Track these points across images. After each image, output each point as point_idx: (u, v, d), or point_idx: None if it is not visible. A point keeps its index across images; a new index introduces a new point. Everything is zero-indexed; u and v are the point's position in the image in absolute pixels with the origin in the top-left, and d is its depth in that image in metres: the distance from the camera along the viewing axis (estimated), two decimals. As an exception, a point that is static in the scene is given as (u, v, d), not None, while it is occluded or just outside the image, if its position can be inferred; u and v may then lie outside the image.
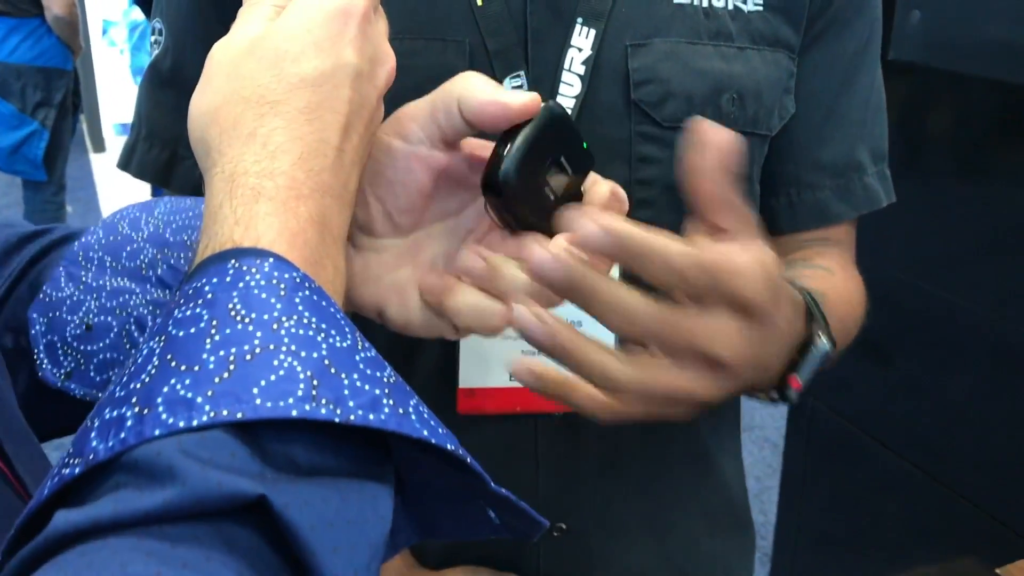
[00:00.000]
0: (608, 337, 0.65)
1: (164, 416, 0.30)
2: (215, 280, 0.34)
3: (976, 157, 1.22)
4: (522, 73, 0.66)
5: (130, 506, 0.28)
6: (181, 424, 0.29)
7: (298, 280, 0.35)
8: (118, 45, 5.91)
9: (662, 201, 0.69)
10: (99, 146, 5.84)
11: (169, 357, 0.32)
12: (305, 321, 0.33)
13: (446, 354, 0.71)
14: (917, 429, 1.37)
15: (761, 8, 0.69)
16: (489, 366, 0.71)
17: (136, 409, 0.30)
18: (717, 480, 0.81)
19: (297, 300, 0.34)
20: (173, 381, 0.31)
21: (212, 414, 0.30)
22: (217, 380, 0.31)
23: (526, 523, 0.39)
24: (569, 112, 0.66)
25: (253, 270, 0.34)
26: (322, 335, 0.33)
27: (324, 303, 0.35)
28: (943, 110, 1.24)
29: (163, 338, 0.33)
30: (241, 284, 0.34)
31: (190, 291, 0.34)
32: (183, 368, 0.31)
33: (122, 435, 0.29)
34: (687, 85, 0.67)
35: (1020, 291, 1.20)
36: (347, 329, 0.35)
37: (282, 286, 0.34)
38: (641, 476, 0.76)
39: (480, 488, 0.36)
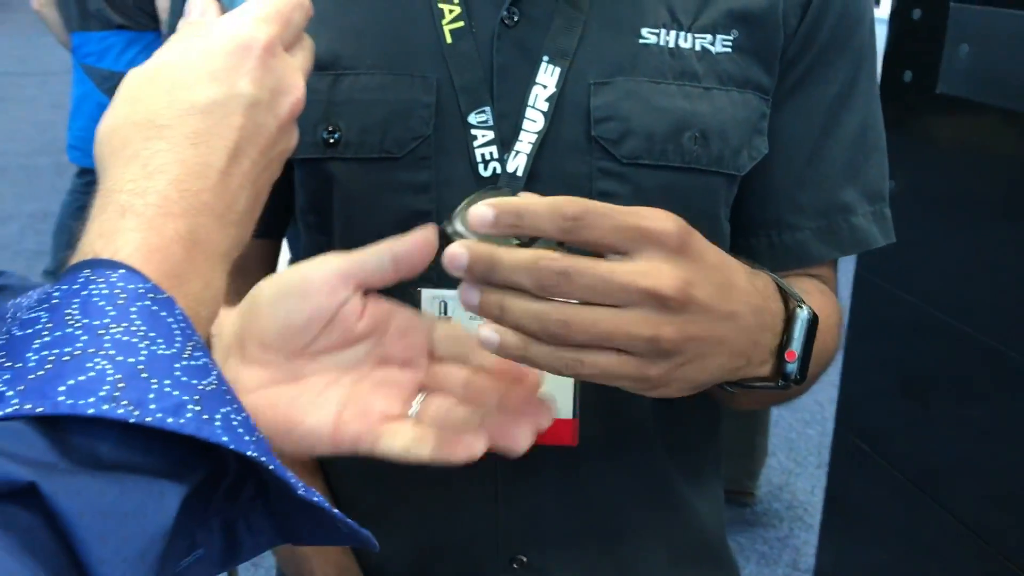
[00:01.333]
0: None
1: None
2: (64, 287, 0.38)
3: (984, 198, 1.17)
4: (487, 108, 0.68)
5: None
6: None
7: (142, 291, 0.38)
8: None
9: None
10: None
11: (2, 354, 0.35)
12: (133, 328, 0.36)
13: None
14: (960, 478, 1.32)
15: (730, 50, 0.69)
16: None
17: None
18: (687, 518, 0.80)
19: (133, 310, 0.37)
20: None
21: (16, 406, 0.33)
22: (31, 377, 0.34)
23: (347, 533, 0.42)
24: (531, 147, 0.68)
25: (100, 280, 0.38)
26: (146, 343, 0.36)
27: (164, 313, 0.38)
28: (991, 146, 1.19)
29: (6, 336, 0.36)
30: (84, 292, 0.37)
31: (43, 296, 0.38)
32: (7, 364, 0.35)
33: None
34: (647, 123, 0.67)
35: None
36: (178, 338, 0.38)
37: (123, 296, 0.37)
38: (603, 511, 0.76)
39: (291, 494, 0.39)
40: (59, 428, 0.34)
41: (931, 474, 1.37)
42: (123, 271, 0.39)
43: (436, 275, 0.69)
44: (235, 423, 0.37)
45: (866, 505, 1.51)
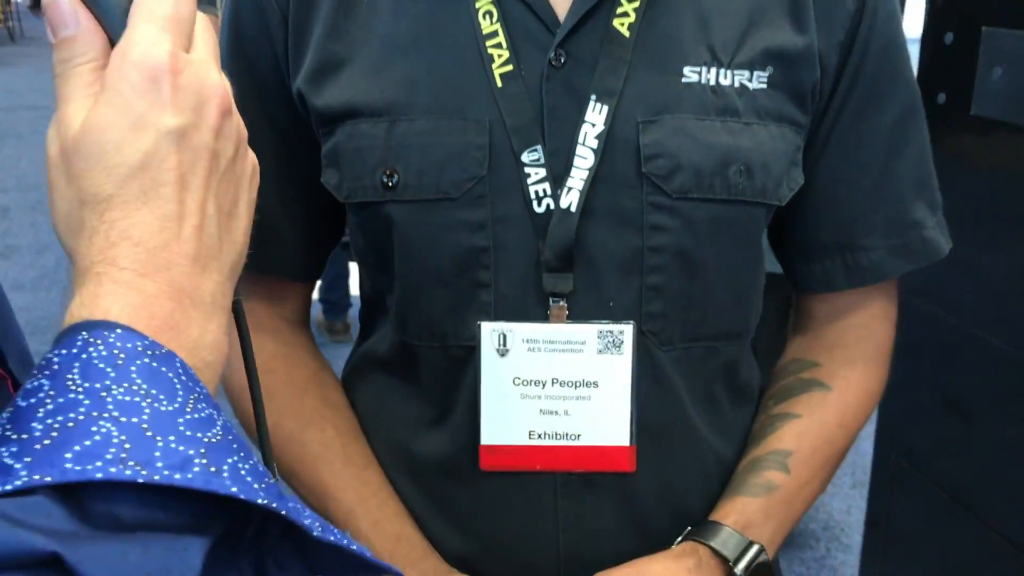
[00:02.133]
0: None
1: None
2: (63, 351, 0.38)
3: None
4: (539, 147, 0.70)
5: None
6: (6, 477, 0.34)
7: (140, 348, 0.39)
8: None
9: (673, 267, 0.71)
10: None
11: (9, 427, 0.36)
12: (135, 388, 0.37)
13: (472, 413, 0.75)
14: (1003, 496, 1.32)
15: (765, 86, 0.71)
16: (509, 424, 0.74)
17: None
18: None
19: (133, 368, 0.38)
20: (2, 449, 0.35)
21: (26, 478, 0.34)
22: (38, 447, 0.34)
23: (373, 566, 0.42)
24: (583, 183, 0.70)
25: (99, 342, 0.38)
26: (148, 400, 0.37)
27: (164, 369, 0.39)
28: (1027, 167, 1.20)
29: (11, 408, 0.37)
30: (83, 356, 0.38)
31: (43, 362, 0.39)
32: (13, 437, 0.35)
33: None
34: (696, 159, 0.69)
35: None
36: (179, 392, 0.38)
37: (121, 356, 0.38)
38: (662, 534, 0.77)
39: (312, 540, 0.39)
40: (76, 495, 0.34)
41: (973, 492, 1.37)
42: (120, 330, 0.39)
43: (495, 309, 0.72)
44: (243, 472, 0.38)
45: (908, 524, 1.51)
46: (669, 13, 0.71)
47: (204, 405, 0.39)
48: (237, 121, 0.49)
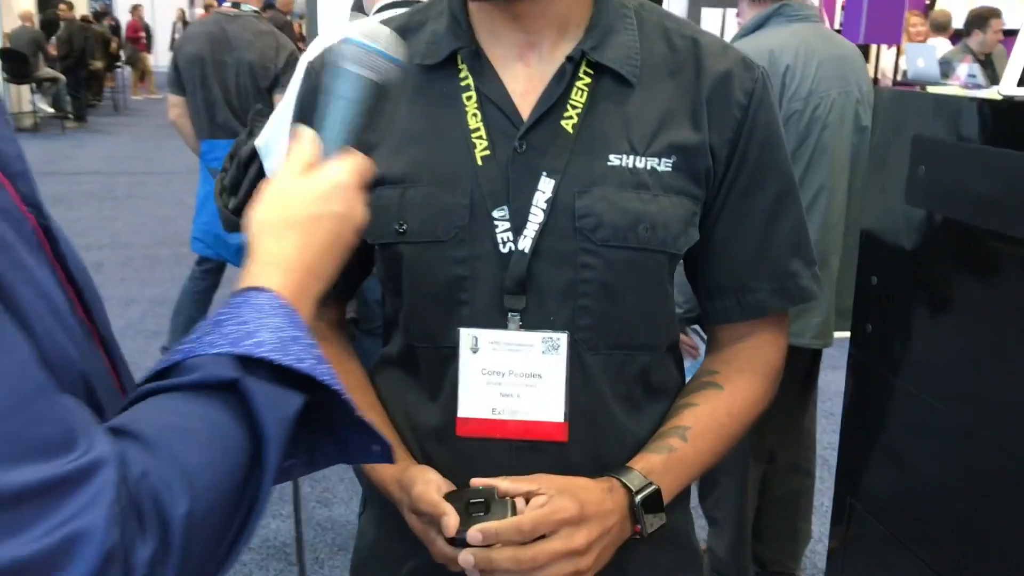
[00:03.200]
0: None
1: (201, 348, 0.67)
2: (239, 299, 0.72)
3: (966, 295, 1.42)
4: (505, 207, 1.00)
5: (185, 378, 0.65)
6: (207, 352, 0.66)
7: (279, 304, 0.71)
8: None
9: (598, 294, 1.00)
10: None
11: (210, 329, 0.69)
12: (277, 321, 0.69)
13: (453, 393, 1.03)
14: (938, 532, 1.53)
15: (670, 169, 1.00)
16: (478, 403, 1.02)
17: (193, 344, 0.67)
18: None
19: (275, 312, 0.70)
20: (212, 336, 0.67)
21: (220, 348, 0.66)
22: (230, 338, 0.67)
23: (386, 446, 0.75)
24: (535, 232, 0.99)
25: (259, 296, 0.71)
26: (284, 328, 0.69)
27: (292, 316, 0.71)
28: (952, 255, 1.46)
29: (210, 324, 0.69)
30: (251, 302, 0.71)
31: (226, 304, 0.71)
32: (214, 334, 0.68)
33: (190, 347, 0.67)
34: (615, 218, 0.98)
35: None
36: (300, 329, 0.71)
37: (270, 304, 0.71)
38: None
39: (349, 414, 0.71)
40: (245, 360, 0.66)
41: (912, 528, 1.58)
42: (270, 293, 0.72)
43: (471, 319, 1.00)
44: (328, 373, 0.69)
45: (859, 558, 1.72)
46: (601, 116, 1.00)
47: (309, 339, 0.71)
48: (360, 215, 0.83)
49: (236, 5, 4.15)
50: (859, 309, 1.73)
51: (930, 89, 1.59)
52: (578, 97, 1.00)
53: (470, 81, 1.02)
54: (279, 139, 2.11)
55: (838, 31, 6.75)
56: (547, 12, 1.00)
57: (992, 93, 1.33)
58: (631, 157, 1.00)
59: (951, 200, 1.44)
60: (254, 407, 0.65)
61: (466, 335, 1.01)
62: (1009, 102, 1.27)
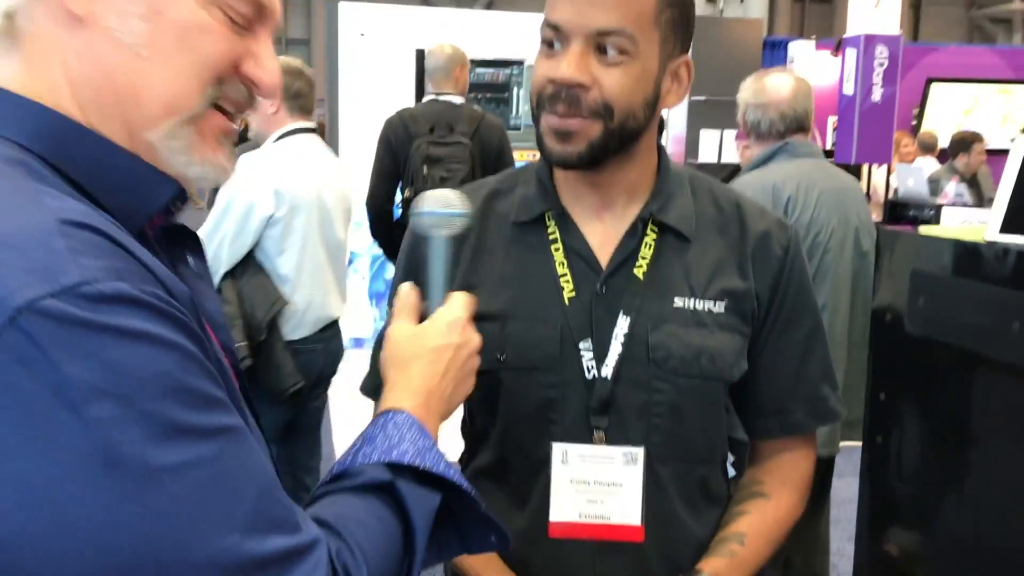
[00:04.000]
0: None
1: (360, 458, 0.86)
2: (382, 419, 0.91)
3: (963, 409, 1.63)
4: (590, 339, 1.22)
5: (354, 481, 0.85)
6: (365, 461, 0.86)
7: (413, 423, 0.91)
8: (360, 272, 6.95)
9: (667, 414, 1.21)
10: (335, 356, 6.81)
11: (362, 443, 0.88)
12: (414, 433, 0.89)
13: (544, 500, 1.23)
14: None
15: (723, 311, 1.23)
16: (567, 508, 1.22)
17: (351, 456, 0.87)
18: None
19: (412, 428, 0.90)
20: (365, 449, 0.87)
21: (376, 457, 0.85)
22: (381, 449, 0.87)
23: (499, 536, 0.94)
24: (615, 361, 1.21)
25: (398, 415, 0.91)
26: (421, 440, 0.89)
27: (421, 427, 0.91)
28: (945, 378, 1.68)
29: (361, 439, 0.89)
30: (392, 421, 0.90)
31: (372, 424, 0.91)
32: (369, 446, 0.87)
33: (350, 460, 0.86)
34: (681, 351, 1.21)
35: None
36: (430, 441, 0.90)
37: (408, 423, 0.90)
38: None
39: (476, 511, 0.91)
40: (395, 467, 0.86)
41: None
42: (405, 412, 0.92)
43: (561, 435, 1.21)
44: (458, 475, 0.89)
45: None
46: (666, 265, 1.23)
47: (438, 449, 0.91)
48: (476, 359, 1.04)
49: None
50: (870, 422, 1.95)
51: (923, 229, 1.84)
52: (646, 250, 1.24)
53: (557, 235, 1.25)
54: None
55: (831, 152, 7.14)
56: (620, 180, 1.25)
57: (979, 234, 1.57)
58: (692, 299, 1.22)
59: (947, 328, 1.67)
60: (405, 503, 0.84)
61: (558, 449, 1.22)
62: (994, 247, 1.51)
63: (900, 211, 5.97)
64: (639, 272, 1.23)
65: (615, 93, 1.13)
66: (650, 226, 1.25)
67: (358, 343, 6.65)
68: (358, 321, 6.69)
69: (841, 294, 2.78)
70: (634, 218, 1.24)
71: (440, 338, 1.00)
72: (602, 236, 1.25)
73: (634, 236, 1.24)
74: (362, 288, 6.63)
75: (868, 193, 7.30)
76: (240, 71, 0.79)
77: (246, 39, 0.79)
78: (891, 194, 6.76)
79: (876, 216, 6.76)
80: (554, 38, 1.14)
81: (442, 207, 1.09)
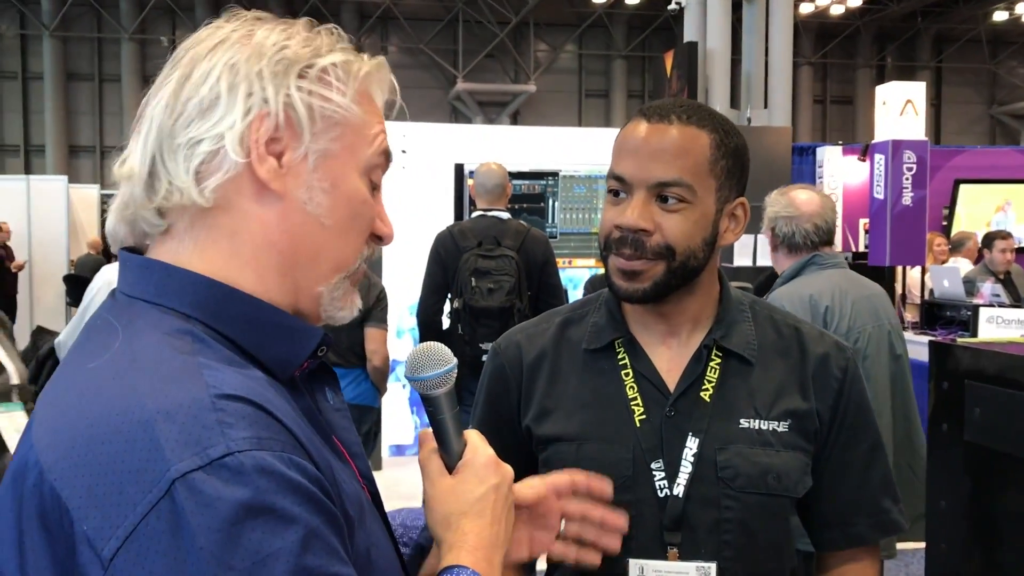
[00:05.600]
0: None
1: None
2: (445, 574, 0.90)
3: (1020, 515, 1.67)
4: (661, 460, 1.29)
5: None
6: None
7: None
8: (400, 380, 7.04)
9: (737, 530, 1.27)
10: (376, 464, 6.86)
11: None
12: None
13: None
14: None
15: (787, 430, 1.30)
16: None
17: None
18: None
19: None
20: None
21: None
22: None
23: None
24: (686, 480, 1.27)
25: (463, 571, 0.89)
26: None
27: None
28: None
29: None
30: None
31: None
32: None
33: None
34: (748, 470, 1.27)
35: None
36: None
37: None
38: None
39: None
40: None
41: None
42: (469, 569, 0.90)
43: (636, 551, 1.27)
44: None
45: None
46: (731, 389, 1.31)
47: None
48: (510, 473, 1.02)
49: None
50: (931, 530, 1.98)
51: (963, 341, 1.91)
52: (712, 374, 1.32)
53: (627, 361, 1.34)
54: (73, 335, 3.23)
55: (864, 254, 7.20)
56: (685, 310, 1.33)
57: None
58: (757, 420, 1.29)
59: (1002, 436, 1.72)
60: None
61: (635, 565, 1.27)
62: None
63: (936, 312, 5.98)
64: (705, 395, 1.30)
65: (676, 236, 1.24)
66: (714, 352, 1.33)
67: (399, 450, 6.71)
68: (398, 428, 6.74)
69: (881, 398, 2.83)
70: (699, 344, 1.33)
71: (480, 485, 0.97)
72: (669, 361, 1.33)
73: (699, 361, 1.32)
74: (402, 396, 6.70)
75: (903, 293, 7.34)
76: (372, 228, 0.92)
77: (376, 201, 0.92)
78: (926, 295, 6.79)
79: (912, 317, 6.77)
80: (619, 188, 1.27)
81: (442, 367, 1.08)
